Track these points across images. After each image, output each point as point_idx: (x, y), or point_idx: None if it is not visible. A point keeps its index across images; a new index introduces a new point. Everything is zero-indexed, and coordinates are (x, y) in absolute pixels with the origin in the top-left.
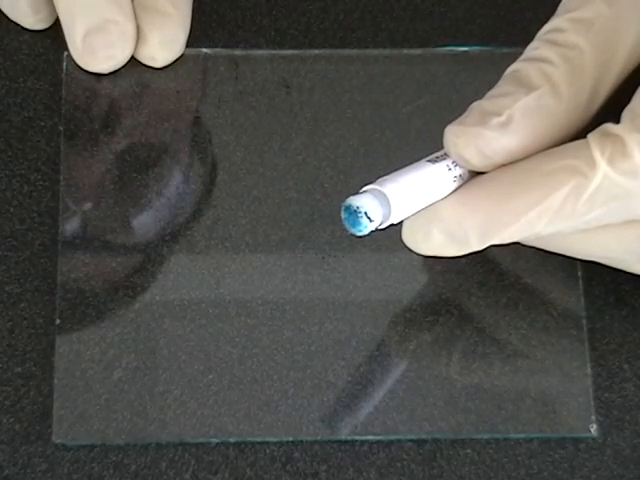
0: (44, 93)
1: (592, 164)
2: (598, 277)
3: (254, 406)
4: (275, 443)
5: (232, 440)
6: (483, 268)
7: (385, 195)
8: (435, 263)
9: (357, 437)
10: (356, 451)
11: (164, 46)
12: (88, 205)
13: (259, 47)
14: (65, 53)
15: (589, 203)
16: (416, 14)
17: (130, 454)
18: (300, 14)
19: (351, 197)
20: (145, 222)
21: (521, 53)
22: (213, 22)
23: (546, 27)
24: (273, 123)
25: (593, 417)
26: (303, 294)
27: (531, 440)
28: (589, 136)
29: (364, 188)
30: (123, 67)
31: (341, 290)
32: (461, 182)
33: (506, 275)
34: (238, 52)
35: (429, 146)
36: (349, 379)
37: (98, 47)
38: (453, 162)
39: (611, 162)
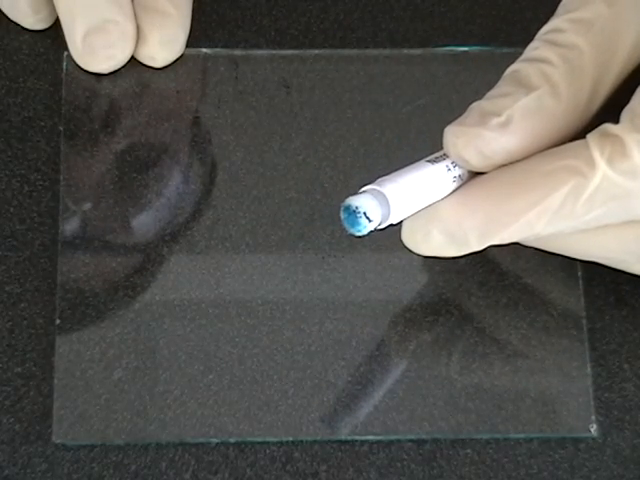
0: (44, 93)
1: (591, 164)
2: (598, 277)
3: (254, 406)
4: (275, 443)
5: (232, 440)
6: (483, 268)
7: (384, 195)
8: (435, 263)
9: (357, 437)
10: (356, 451)
11: (164, 46)
12: (88, 205)
13: (259, 47)
14: (65, 53)
15: (588, 203)
16: (416, 14)
17: (130, 454)
18: (300, 14)
19: (350, 197)
20: (145, 222)
21: (521, 53)
22: (213, 22)
23: (546, 27)
24: (273, 123)
25: (593, 417)
26: (303, 294)
27: (531, 440)
28: (588, 136)
29: (363, 188)
30: (123, 67)
31: (341, 290)
32: (460, 182)
33: (506, 275)
34: (238, 52)
35: (429, 146)
36: (349, 379)
37: (98, 47)
38: (453, 162)
39: (610, 162)
